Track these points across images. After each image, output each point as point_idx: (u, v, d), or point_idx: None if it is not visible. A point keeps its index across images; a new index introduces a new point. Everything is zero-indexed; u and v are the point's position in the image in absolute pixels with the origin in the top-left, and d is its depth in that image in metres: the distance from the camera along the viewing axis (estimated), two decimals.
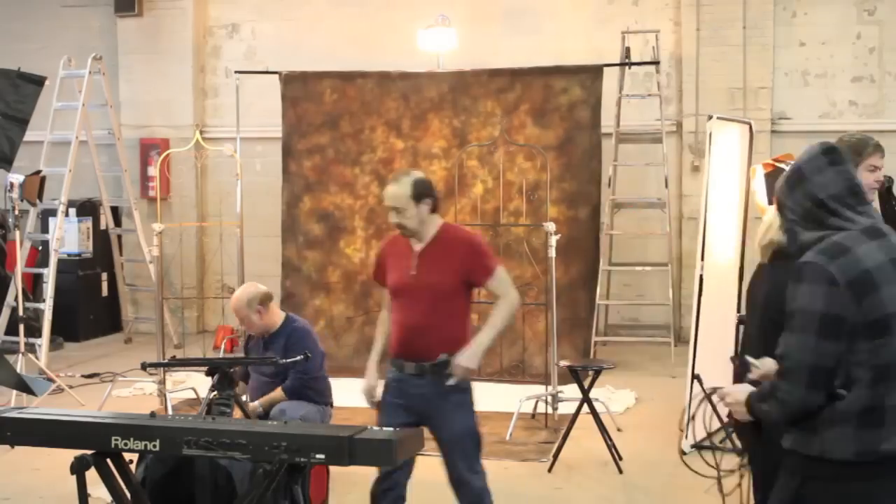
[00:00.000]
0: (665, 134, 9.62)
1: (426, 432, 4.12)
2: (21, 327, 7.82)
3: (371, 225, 9.36)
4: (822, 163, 2.89)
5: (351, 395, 8.02)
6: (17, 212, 7.86)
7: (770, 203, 7.24)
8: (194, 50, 11.09)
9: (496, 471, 6.05)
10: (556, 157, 8.87)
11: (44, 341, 8.62)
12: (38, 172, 8.46)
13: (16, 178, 7.71)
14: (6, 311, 8.88)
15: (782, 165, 7.13)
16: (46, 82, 8.58)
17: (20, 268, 8.04)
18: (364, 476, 4.43)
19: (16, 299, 8.15)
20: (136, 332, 10.62)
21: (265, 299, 5.69)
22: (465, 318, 4.39)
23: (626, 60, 9.62)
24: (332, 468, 5.07)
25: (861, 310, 2.72)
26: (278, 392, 5.61)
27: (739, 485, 3.67)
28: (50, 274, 8.94)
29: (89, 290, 10.67)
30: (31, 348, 7.81)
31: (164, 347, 7.63)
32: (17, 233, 7.99)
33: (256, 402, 5.58)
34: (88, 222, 10.61)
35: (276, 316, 5.75)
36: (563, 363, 6.65)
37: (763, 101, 10.00)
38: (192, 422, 3.73)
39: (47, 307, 8.79)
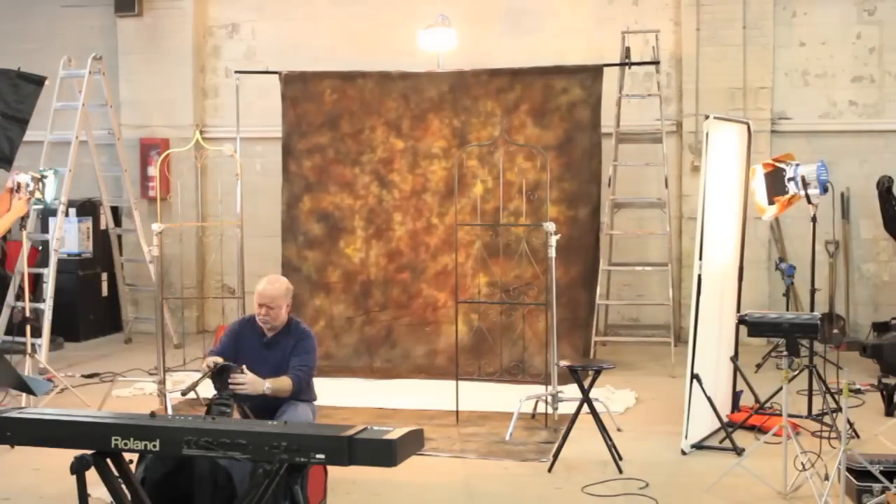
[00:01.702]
0: (665, 134, 9.61)
1: (424, 432, 4.11)
2: (28, 328, 7.81)
3: (371, 225, 9.37)
4: None
5: (351, 396, 8.10)
6: None
7: (770, 203, 7.26)
8: (194, 50, 11.10)
9: (496, 471, 6.07)
10: (556, 157, 8.88)
11: (44, 341, 8.62)
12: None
13: (23, 178, 7.65)
14: (6, 311, 8.88)
15: (782, 165, 7.13)
16: (46, 82, 8.57)
17: (25, 269, 8.02)
18: (364, 476, 4.42)
19: (18, 299, 8.15)
20: (136, 332, 10.63)
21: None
22: None
23: (626, 60, 9.62)
24: (330, 468, 5.05)
25: None
26: (287, 381, 5.50)
27: None
28: (50, 274, 8.93)
29: (89, 290, 10.69)
30: (31, 348, 7.82)
31: (164, 348, 7.63)
32: (24, 233, 7.99)
33: (267, 383, 5.40)
34: (88, 222, 10.63)
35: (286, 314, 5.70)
36: (563, 363, 6.65)
37: (763, 101, 10.01)
38: (192, 422, 3.73)
39: (47, 307, 8.78)
